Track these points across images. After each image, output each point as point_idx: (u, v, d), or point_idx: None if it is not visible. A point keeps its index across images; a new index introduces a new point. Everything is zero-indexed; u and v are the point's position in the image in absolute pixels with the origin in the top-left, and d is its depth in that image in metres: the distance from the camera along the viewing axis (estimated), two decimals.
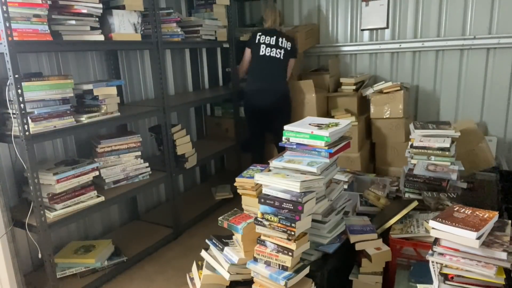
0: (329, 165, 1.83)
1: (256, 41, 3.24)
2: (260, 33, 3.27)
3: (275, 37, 3.25)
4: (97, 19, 2.22)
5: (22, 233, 2.11)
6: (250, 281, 1.77)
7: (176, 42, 2.87)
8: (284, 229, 1.61)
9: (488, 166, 2.85)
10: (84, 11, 2.12)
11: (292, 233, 1.59)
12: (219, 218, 1.92)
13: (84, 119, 2.16)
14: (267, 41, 3.23)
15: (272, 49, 3.22)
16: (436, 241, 1.51)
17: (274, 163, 1.84)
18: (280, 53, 3.24)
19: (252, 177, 1.85)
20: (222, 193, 3.41)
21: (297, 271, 1.66)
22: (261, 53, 3.22)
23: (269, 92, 3.21)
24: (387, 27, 3.62)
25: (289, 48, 3.27)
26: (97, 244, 2.46)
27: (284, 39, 3.27)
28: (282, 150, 1.98)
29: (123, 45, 2.54)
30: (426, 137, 2.52)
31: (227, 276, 1.81)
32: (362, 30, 3.74)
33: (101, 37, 2.22)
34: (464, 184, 2.34)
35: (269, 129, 3.36)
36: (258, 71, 3.28)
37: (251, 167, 2.05)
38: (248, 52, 3.30)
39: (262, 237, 1.71)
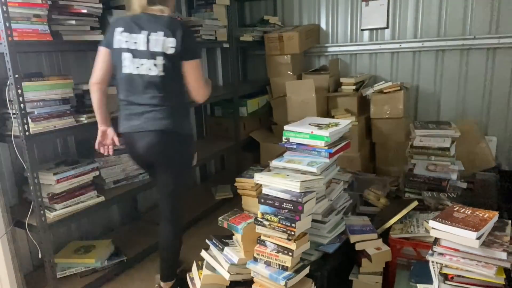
0: (329, 165, 1.83)
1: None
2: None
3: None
4: (97, 19, 2.22)
5: (22, 233, 2.11)
6: (250, 281, 1.77)
7: None
8: (284, 229, 1.61)
9: (488, 166, 2.85)
10: (84, 11, 2.12)
11: (292, 233, 1.59)
12: (219, 218, 1.92)
13: (84, 119, 2.16)
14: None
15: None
16: (436, 241, 1.51)
17: (274, 163, 1.84)
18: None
19: (252, 177, 1.85)
20: (222, 193, 3.41)
21: (297, 271, 1.66)
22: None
23: None
24: (387, 27, 3.61)
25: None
26: (97, 244, 2.46)
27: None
28: None
29: None
30: (426, 137, 2.52)
31: (227, 276, 1.81)
32: (362, 30, 3.74)
33: (101, 37, 2.21)
34: (464, 184, 2.34)
35: None
36: None
37: (251, 167, 2.05)
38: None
39: (262, 237, 1.71)
